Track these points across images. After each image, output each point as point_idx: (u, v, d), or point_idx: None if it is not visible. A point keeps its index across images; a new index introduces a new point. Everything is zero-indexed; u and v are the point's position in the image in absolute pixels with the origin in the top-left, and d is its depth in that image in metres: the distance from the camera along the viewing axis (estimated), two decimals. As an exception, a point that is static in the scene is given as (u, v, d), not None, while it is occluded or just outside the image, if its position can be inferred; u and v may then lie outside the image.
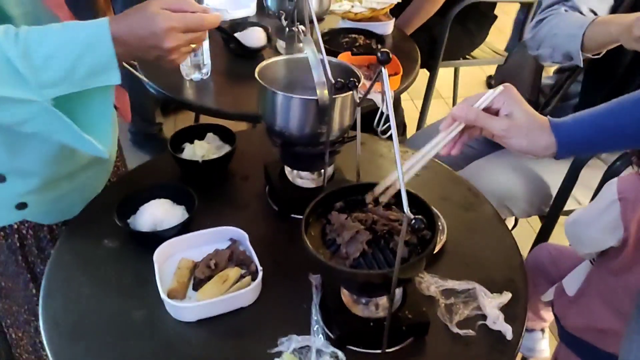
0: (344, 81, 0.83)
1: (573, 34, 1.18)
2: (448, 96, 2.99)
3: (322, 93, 0.84)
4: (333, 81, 0.84)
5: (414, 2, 1.99)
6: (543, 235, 1.44)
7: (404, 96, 2.17)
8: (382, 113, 0.84)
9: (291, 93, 0.88)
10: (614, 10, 1.28)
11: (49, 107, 0.75)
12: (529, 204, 1.40)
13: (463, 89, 3.00)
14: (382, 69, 0.66)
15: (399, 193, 0.62)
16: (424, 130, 1.76)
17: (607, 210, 0.98)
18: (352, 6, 1.69)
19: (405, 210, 0.59)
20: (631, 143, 0.81)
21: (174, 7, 0.80)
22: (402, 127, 2.50)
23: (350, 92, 0.86)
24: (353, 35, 1.60)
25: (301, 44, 0.85)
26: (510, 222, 1.83)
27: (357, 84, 0.85)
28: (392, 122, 0.61)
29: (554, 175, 1.37)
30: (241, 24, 1.58)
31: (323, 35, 1.57)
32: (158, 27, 0.78)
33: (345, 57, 1.46)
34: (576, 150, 0.82)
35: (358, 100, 0.88)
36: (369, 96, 0.94)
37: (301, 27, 0.88)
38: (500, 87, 0.78)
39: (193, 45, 0.85)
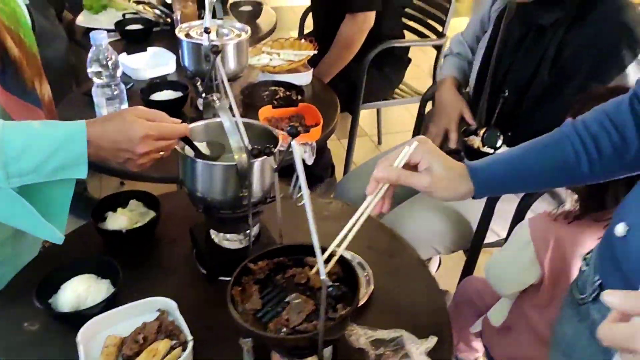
0: (261, 147, 0.85)
1: None
2: (373, 133, 3.09)
3: (241, 158, 0.86)
4: (250, 147, 0.86)
5: (330, 51, 2.07)
6: (468, 268, 1.51)
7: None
8: (297, 178, 0.87)
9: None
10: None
11: (14, 194, 0.78)
12: (452, 241, 1.47)
13: (387, 126, 3.12)
14: (293, 142, 0.69)
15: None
16: (353, 173, 1.81)
17: (522, 251, 1.05)
18: (271, 59, 1.73)
19: (322, 278, 0.61)
20: (542, 185, 0.87)
21: (149, 117, 0.90)
22: (330, 168, 2.56)
23: (269, 153, 0.88)
24: (273, 88, 1.64)
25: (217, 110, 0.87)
26: (436, 261, 1.91)
27: (273, 149, 0.88)
28: (306, 196, 0.64)
29: (473, 211, 1.44)
30: (160, 83, 1.59)
31: (243, 89, 1.61)
32: (134, 134, 0.86)
33: (266, 111, 1.50)
34: (492, 192, 0.86)
35: (275, 165, 0.91)
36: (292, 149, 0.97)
37: (216, 95, 0.90)
38: (415, 142, 0.81)
39: (162, 153, 0.93)
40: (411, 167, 0.82)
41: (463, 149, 1.41)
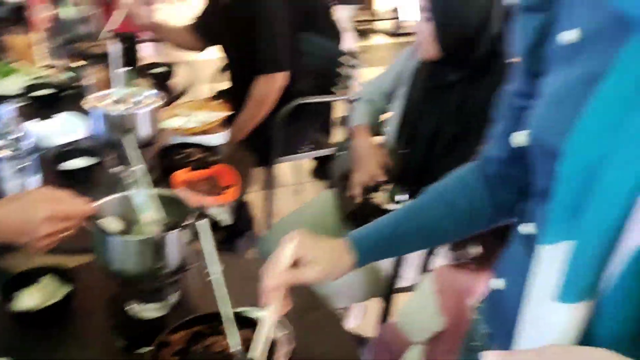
0: (175, 220, 0.88)
1: None
2: (290, 183, 3.16)
3: (154, 232, 0.89)
4: (165, 220, 0.89)
5: (245, 109, 2.14)
6: (384, 315, 1.58)
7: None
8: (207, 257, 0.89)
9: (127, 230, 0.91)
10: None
11: None
12: (366, 290, 1.54)
13: (307, 176, 3.20)
14: (198, 223, 0.73)
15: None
16: (275, 229, 1.84)
17: (427, 300, 1.13)
18: (185, 121, 1.77)
19: (232, 350, 0.65)
20: (417, 248, 0.96)
21: (54, 198, 0.89)
22: (250, 221, 2.59)
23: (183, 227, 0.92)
24: (188, 150, 1.67)
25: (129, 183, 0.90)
26: (362, 308, 1.97)
27: (187, 221, 0.91)
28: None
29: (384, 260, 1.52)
30: (72, 150, 1.58)
31: (157, 153, 1.62)
32: (36, 216, 0.84)
33: (182, 174, 1.52)
34: (374, 258, 0.91)
35: (190, 237, 0.94)
36: (208, 211, 1.01)
37: (129, 168, 0.93)
38: (294, 239, 0.82)
39: (65, 233, 0.91)
40: (296, 262, 0.82)
41: (368, 207, 1.49)
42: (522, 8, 0.69)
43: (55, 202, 0.89)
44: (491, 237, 1.07)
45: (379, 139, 1.71)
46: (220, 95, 2.38)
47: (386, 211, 1.35)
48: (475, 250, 1.12)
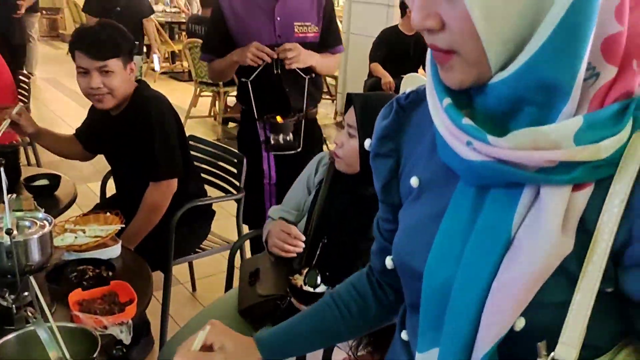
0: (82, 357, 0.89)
1: None
2: (186, 280, 3.12)
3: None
4: (69, 358, 0.89)
5: (137, 216, 2.14)
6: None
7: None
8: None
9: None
10: None
11: None
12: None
13: (199, 272, 3.17)
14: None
15: None
16: (177, 336, 1.81)
17: None
18: (76, 237, 1.74)
19: None
20: (318, 346, 1.05)
21: None
22: (146, 326, 2.52)
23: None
24: (81, 267, 1.64)
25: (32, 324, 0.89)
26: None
27: (94, 356, 0.92)
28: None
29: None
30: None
31: (48, 274, 1.58)
32: None
33: (76, 295, 1.49)
34: (278, 356, 0.97)
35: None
36: (108, 331, 1.01)
37: (30, 310, 0.93)
38: (208, 327, 0.91)
39: None
40: (207, 348, 0.91)
41: (289, 288, 1.56)
42: (375, 154, 0.84)
43: None
44: (380, 336, 1.19)
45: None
46: (107, 204, 2.36)
47: (305, 292, 1.49)
48: (366, 349, 1.23)
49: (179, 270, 3.12)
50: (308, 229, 1.74)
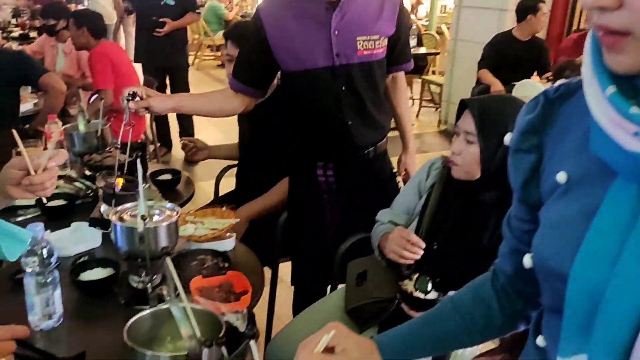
0: (213, 338, 0.94)
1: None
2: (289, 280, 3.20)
3: (192, 347, 0.94)
4: (202, 339, 0.94)
5: (264, 196, 2.27)
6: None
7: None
8: None
9: (160, 346, 0.96)
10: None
11: None
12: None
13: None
14: (250, 342, 0.79)
15: None
16: (283, 334, 1.85)
17: None
18: (196, 228, 1.85)
19: None
20: (438, 353, 1.03)
21: None
22: (251, 319, 2.61)
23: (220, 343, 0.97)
24: (201, 257, 1.74)
25: (167, 302, 0.96)
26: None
27: (223, 339, 0.97)
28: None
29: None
30: (88, 261, 1.63)
31: (173, 259, 1.68)
32: None
33: (197, 282, 1.58)
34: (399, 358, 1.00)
35: (224, 353, 0.99)
36: (225, 318, 1.06)
37: (164, 289, 1.00)
38: (333, 331, 0.93)
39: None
40: (328, 350, 0.92)
41: (399, 293, 1.56)
42: (516, 149, 0.81)
43: None
44: (512, 341, 1.14)
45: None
46: (220, 201, 2.49)
47: (416, 299, 1.48)
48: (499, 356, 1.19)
49: (283, 269, 3.21)
50: (418, 233, 1.72)
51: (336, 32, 1.77)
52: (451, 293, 1.17)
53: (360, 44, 1.80)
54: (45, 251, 1.34)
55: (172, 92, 4.78)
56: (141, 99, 1.83)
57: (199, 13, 5.71)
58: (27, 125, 2.92)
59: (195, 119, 5.25)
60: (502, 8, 5.44)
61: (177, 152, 5.10)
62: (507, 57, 4.65)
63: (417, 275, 1.58)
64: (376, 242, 1.80)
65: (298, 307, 2.22)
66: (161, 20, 4.73)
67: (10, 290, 1.53)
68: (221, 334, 0.98)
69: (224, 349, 0.98)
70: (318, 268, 2.17)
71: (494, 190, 1.56)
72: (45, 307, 1.37)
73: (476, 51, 4.95)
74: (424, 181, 1.81)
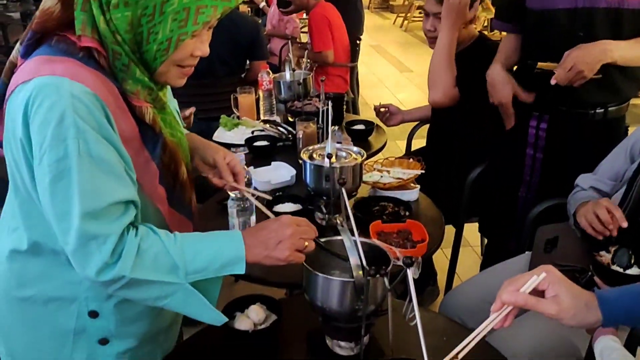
0: (377, 268, 0.96)
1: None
2: (476, 244, 3.10)
3: (358, 275, 0.98)
4: (367, 268, 0.98)
5: None
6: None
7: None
8: (409, 300, 0.95)
9: (330, 272, 1.02)
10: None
11: (189, 288, 0.98)
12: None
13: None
14: (407, 270, 0.80)
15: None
16: (458, 290, 1.83)
17: None
18: (381, 176, 1.89)
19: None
20: None
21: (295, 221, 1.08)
22: (433, 277, 2.62)
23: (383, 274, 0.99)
24: (383, 203, 1.78)
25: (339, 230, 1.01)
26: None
27: (388, 270, 0.99)
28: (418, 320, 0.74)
29: (582, 337, 1.43)
30: (282, 196, 1.78)
31: (356, 204, 1.75)
32: (286, 234, 1.04)
33: (376, 226, 1.62)
34: (621, 323, 0.90)
35: (388, 285, 1.01)
36: (399, 262, 1.07)
37: (339, 219, 1.05)
38: (543, 273, 0.87)
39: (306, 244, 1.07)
40: (537, 292, 0.87)
41: (592, 265, 1.42)
42: None
43: (297, 223, 1.07)
44: None
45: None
46: (414, 154, 2.49)
47: (613, 272, 1.34)
48: None
49: (468, 231, 3.13)
50: (625, 203, 1.52)
51: None
52: None
53: None
54: (245, 179, 1.50)
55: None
56: None
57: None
58: (243, 75, 3.23)
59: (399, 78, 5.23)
60: None
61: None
62: None
63: (616, 247, 1.40)
64: (572, 210, 1.64)
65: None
66: None
67: (217, 212, 1.75)
68: (388, 268, 1.00)
69: (386, 280, 1.00)
70: (505, 230, 2.06)
71: None
72: (243, 228, 1.55)
73: None
74: (638, 144, 1.58)
